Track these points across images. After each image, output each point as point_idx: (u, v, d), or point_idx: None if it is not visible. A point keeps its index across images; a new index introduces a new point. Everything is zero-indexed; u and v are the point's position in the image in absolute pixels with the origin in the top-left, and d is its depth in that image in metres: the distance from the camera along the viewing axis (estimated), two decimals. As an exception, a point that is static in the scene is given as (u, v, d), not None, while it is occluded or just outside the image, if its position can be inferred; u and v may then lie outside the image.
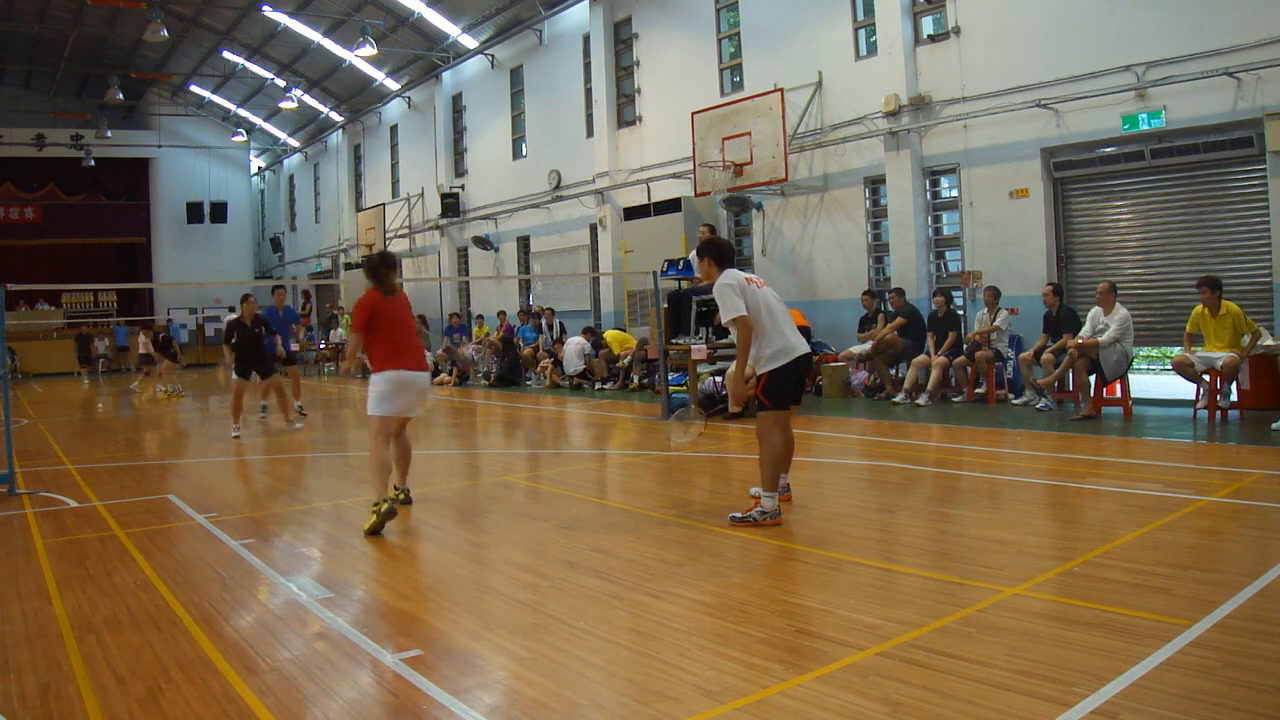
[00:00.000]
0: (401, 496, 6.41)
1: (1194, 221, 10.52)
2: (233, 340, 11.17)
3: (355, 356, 6.15)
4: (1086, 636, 3.43)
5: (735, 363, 5.57)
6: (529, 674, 3.37)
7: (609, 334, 16.19)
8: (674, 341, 11.25)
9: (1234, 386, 9.06)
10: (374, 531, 5.60)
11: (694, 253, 11.25)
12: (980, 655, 3.30)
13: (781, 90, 13.45)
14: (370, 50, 20.53)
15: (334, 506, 6.81)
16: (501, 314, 19.91)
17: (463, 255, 24.11)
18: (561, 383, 16.14)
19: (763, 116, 13.55)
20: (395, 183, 27.55)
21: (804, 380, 5.80)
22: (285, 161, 35.56)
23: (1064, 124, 11.20)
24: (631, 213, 16.75)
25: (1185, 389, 9.39)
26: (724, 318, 5.48)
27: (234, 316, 11.53)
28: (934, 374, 11.22)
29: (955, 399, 11.41)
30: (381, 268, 6.16)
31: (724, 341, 11.19)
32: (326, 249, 31.44)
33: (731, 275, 5.54)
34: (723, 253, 5.79)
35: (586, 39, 18.80)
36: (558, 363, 16.40)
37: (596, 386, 15.47)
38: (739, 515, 5.49)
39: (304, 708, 3.13)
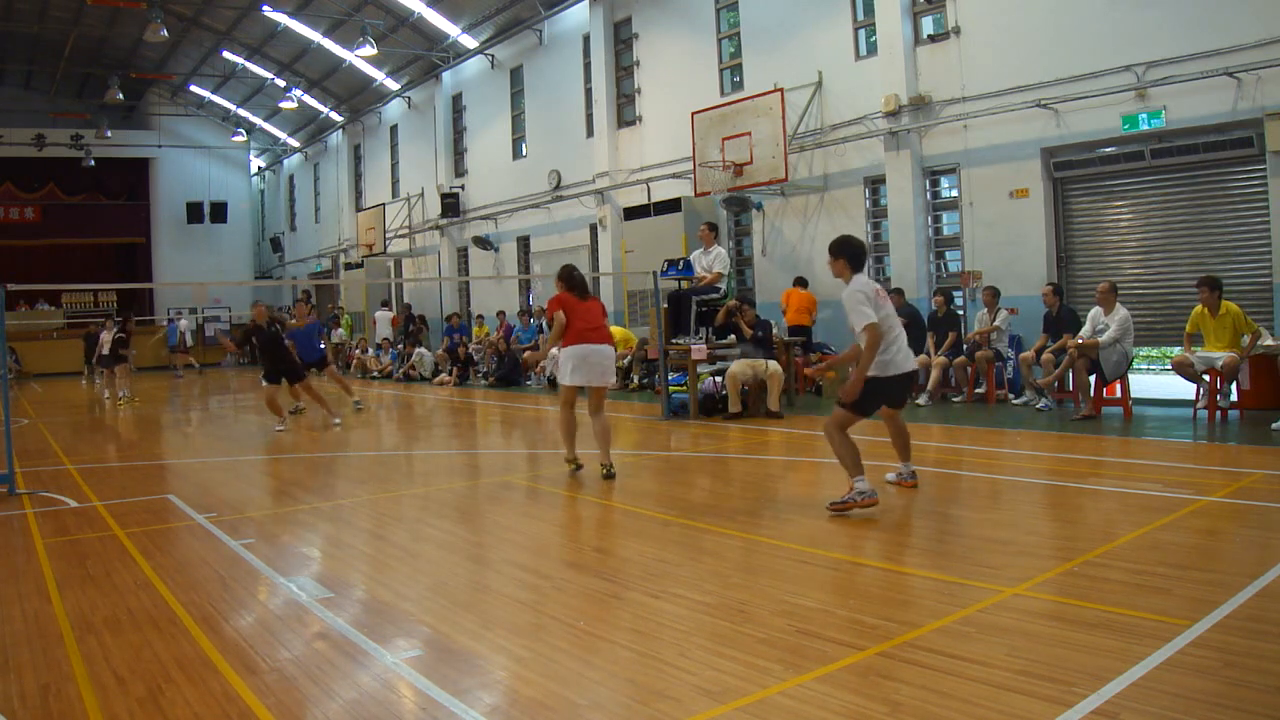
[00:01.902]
0: (604, 472, 7.15)
1: (1194, 221, 10.52)
2: (251, 343, 11.48)
3: (556, 339, 7.25)
4: (1086, 636, 3.43)
5: (857, 367, 5.68)
6: (529, 674, 3.37)
7: (613, 330, 16.15)
8: (674, 341, 11.25)
9: (1234, 386, 9.06)
10: (574, 473, 7.27)
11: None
12: (980, 655, 3.30)
13: (781, 90, 13.45)
14: (370, 50, 20.52)
15: (334, 506, 6.81)
16: (501, 314, 19.92)
17: (463, 255, 24.11)
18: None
19: (763, 116, 13.55)
20: (395, 183, 27.54)
21: (906, 390, 6.12)
22: (285, 161, 35.55)
23: (1064, 124, 11.20)
24: (631, 213, 16.74)
25: (1185, 389, 9.39)
26: (855, 325, 5.58)
27: (208, 320, 11.94)
28: (934, 374, 11.23)
29: (955, 399, 11.41)
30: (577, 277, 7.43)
31: (723, 342, 11.20)
32: (326, 249, 31.44)
33: (865, 284, 5.70)
34: (858, 255, 5.87)
35: (586, 39, 18.80)
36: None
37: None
38: (837, 501, 5.60)
39: (304, 708, 3.13)
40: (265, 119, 33.40)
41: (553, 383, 16.11)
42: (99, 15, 24.22)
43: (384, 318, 23.50)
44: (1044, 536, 5.20)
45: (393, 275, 26.86)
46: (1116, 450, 7.93)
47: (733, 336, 11.06)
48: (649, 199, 16.53)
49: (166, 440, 12.13)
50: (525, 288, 22.06)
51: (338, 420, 11.72)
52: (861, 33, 13.69)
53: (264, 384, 11.73)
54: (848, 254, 5.84)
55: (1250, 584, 3.91)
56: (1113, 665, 3.13)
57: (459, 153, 23.99)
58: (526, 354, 8.33)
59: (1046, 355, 10.12)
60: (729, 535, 5.35)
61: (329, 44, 24.41)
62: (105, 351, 17.32)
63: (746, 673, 3.26)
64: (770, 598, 4.11)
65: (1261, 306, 9.72)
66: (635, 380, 14.91)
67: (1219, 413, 8.84)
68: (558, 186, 19.88)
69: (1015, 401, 10.81)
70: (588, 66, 18.90)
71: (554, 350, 7.56)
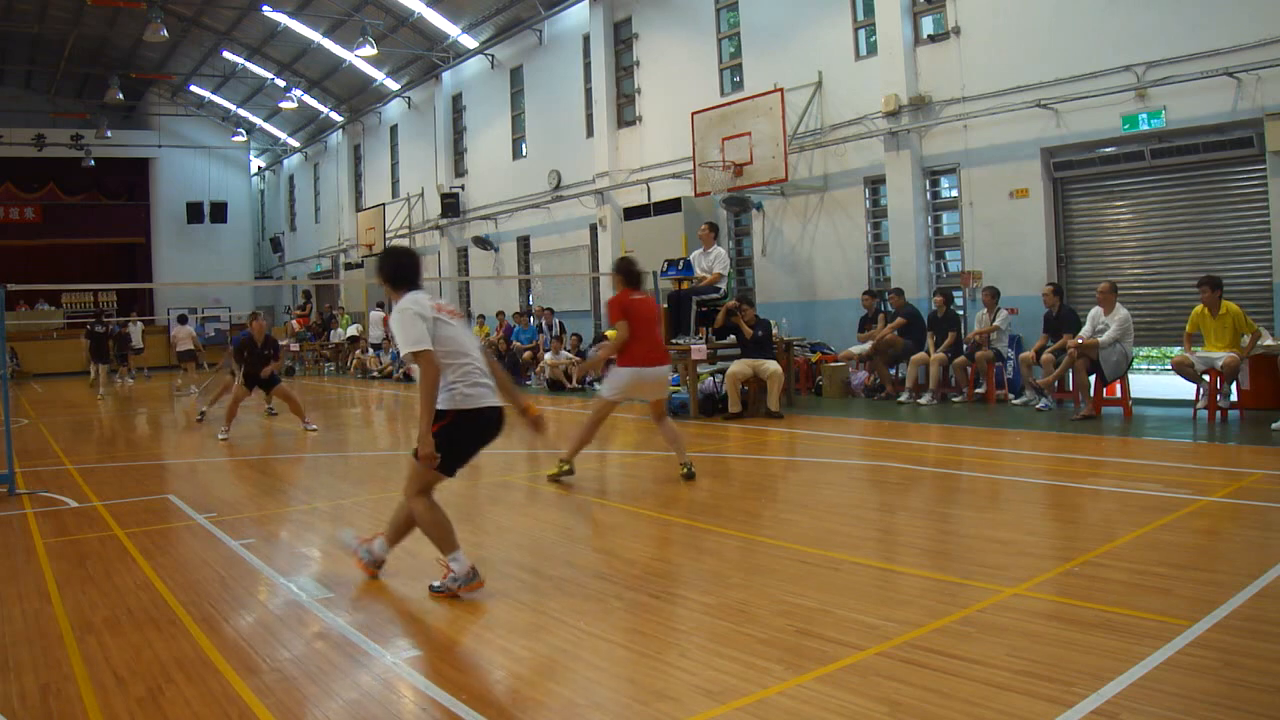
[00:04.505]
0: (685, 471, 6.97)
1: (1194, 221, 10.52)
2: (244, 356, 11.29)
3: (612, 352, 7.16)
4: (1086, 636, 3.43)
5: (421, 410, 4.17)
6: (529, 674, 3.37)
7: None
8: (674, 341, 11.25)
9: (1234, 386, 9.06)
10: (552, 480, 7.03)
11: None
12: (980, 655, 3.30)
13: (781, 90, 13.45)
14: (370, 50, 20.52)
15: (334, 506, 6.81)
16: (501, 314, 19.92)
17: (463, 255, 24.11)
18: (579, 386, 16.04)
19: (763, 116, 13.55)
20: (395, 183, 27.55)
21: (498, 431, 4.41)
22: (285, 161, 35.55)
23: (1064, 124, 11.20)
24: (631, 213, 16.74)
25: (1185, 389, 9.39)
26: (402, 349, 4.22)
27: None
28: (933, 370, 11.23)
29: (955, 399, 11.41)
30: (635, 269, 7.14)
31: (724, 342, 11.20)
32: (326, 249, 31.44)
33: (417, 299, 4.28)
34: (399, 271, 4.45)
35: (586, 39, 18.80)
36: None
37: (596, 386, 15.42)
38: (437, 585, 4.33)
39: (304, 708, 3.13)
40: (265, 119, 33.40)
41: (554, 386, 16.10)
42: (99, 15, 24.22)
43: (376, 318, 23.49)
44: (1044, 536, 5.20)
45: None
46: (1116, 450, 7.93)
47: (733, 337, 11.06)
48: (649, 199, 16.53)
49: (166, 440, 12.13)
50: (525, 288, 22.06)
51: (314, 427, 11.32)
52: (861, 33, 13.69)
53: (238, 384, 11.42)
54: (386, 272, 4.45)
55: (1250, 584, 3.91)
56: (1113, 665, 3.13)
57: (459, 153, 23.99)
58: (576, 368, 7.99)
59: (1046, 355, 10.12)
60: (729, 535, 5.35)
61: (329, 44, 24.41)
62: (186, 347, 19.15)
63: (746, 673, 3.26)
64: (770, 598, 4.10)
65: (1261, 306, 9.72)
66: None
67: (1219, 413, 8.84)
68: (558, 186, 19.88)
69: (1015, 401, 10.81)
70: (588, 66, 18.89)
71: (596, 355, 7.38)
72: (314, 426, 11.38)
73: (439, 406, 4.20)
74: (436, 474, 4.29)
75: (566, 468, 7.13)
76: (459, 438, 4.26)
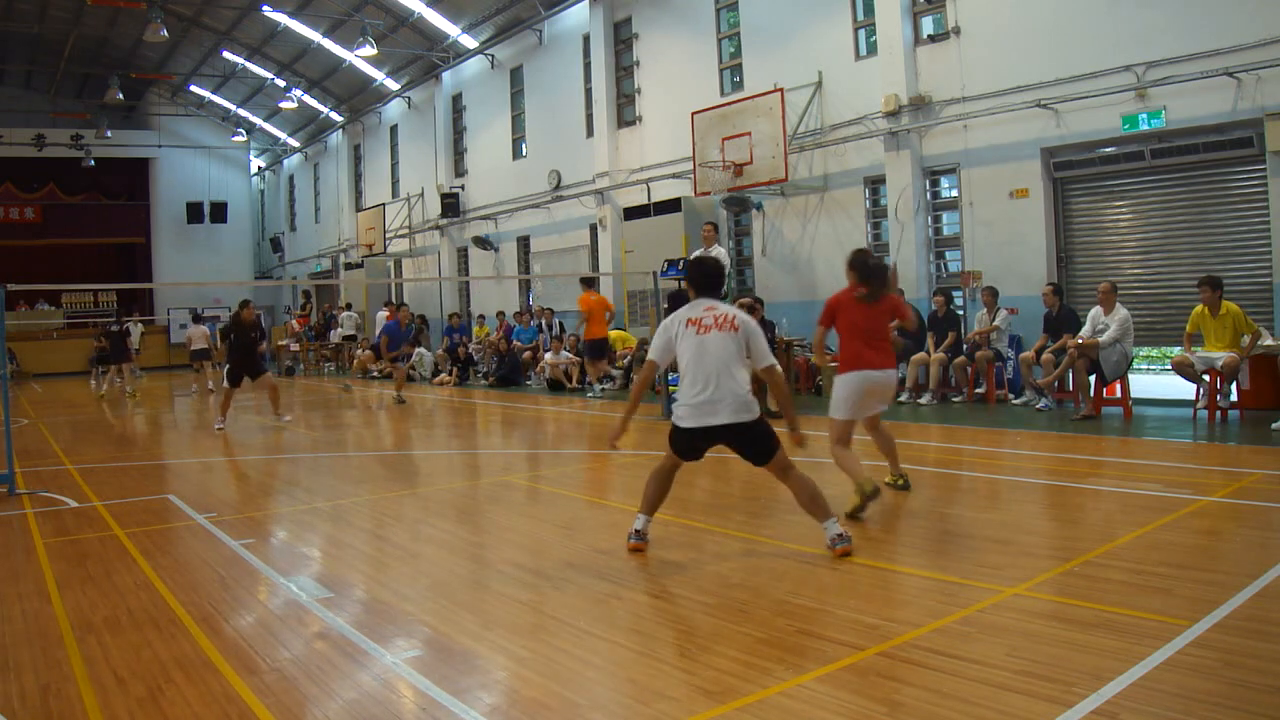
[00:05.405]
0: (900, 482, 6.30)
1: (1194, 221, 10.52)
2: (230, 338, 11.58)
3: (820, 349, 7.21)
4: (1086, 636, 3.43)
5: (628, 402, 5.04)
6: (529, 674, 3.37)
7: (611, 334, 16.16)
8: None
9: (1234, 386, 9.06)
10: (853, 513, 5.52)
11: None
12: (980, 655, 3.30)
13: (781, 90, 13.44)
14: (370, 50, 20.52)
15: (334, 506, 6.81)
16: (501, 314, 19.93)
17: (463, 255, 24.11)
18: (578, 385, 16.05)
19: (763, 116, 13.55)
20: (395, 183, 27.54)
21: (730, 443, 4.91)
22: (285, 161, 35.54)
23: (1064, 124, 11.20)
24: (631, 213, 16.74)
25: (1185, 389, 9.39)
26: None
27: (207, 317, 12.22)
28: (933, 370, 11.23)
29: (955, 399, 11.41)
30: (869, 262, 5.89)
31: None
32: (326, 249, 31.43)
33: (675, 315, 4.96)
34: (703, 278, 5.08)
35: (586, 39, 18.80)
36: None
37: (597, 386, 15.42)
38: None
39: (304, 708, 3.13)
40: (265, 119, 33.40)
41: (554, 386, 16.10)
42: (99, 15, 24.21)
43: (382, 318, 23.46)
44: (1044, 536, 5.20)
45: (393, 275, 26.85)
46: (1116, 450, 7.93)
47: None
48: (649, 199, 16.52)
49: (166, 440, 12.13)
50: (525, 288, 22.07)
51: (287, 418, 12.09)
52: (861, 33, 13.68)
53: (225, 384, 11.96)
54: (688, 277, 5.22)
55: (1250, 584, 3.91)
56: (1113, 665, 3.13)
57: (459, 153, 23.99)
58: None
59: (1046, 355, 10.12)
60: (729, 535, 5.35)
61: (329, 44, 24.41)
62: (200, 346, 18.96)
63: (746, 673, 3.26)
64: (770, 598, 4.10)
65: (1261, 306, 9.71)
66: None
67: (1219, 413, 8.84)
68: (558, 186, 19.88)
69: (1015, 401, 10.81)
70: (588, 66, 18.89)
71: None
72: (288, 418, 11.98)
73: None
74: (672, 455, 4.99)
75: (871, 491, 5.59)
76: (674, 439, 4.94)
